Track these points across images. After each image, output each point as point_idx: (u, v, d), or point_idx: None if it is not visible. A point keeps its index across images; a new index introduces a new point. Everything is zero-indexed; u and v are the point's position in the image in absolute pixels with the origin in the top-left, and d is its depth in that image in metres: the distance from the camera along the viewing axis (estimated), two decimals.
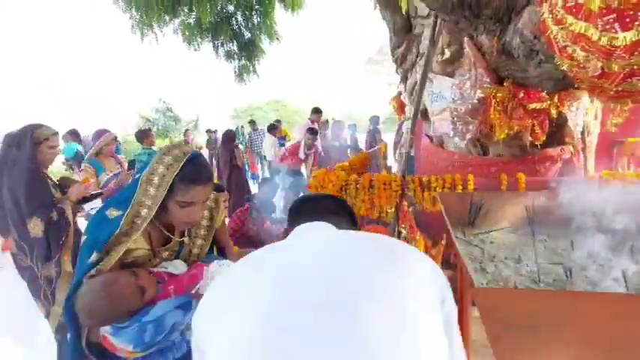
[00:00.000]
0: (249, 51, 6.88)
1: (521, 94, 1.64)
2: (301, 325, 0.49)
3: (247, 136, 8.21)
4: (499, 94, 1.70)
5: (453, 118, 2.24)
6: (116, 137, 3.10)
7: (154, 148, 4.41)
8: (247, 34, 6.93)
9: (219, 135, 9.59)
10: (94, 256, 0.98)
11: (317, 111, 5.64)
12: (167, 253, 1.17)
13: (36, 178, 1.88)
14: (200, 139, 9.31)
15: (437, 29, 1.80)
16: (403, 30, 3.09)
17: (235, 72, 7.01)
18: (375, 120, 6.44)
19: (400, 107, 3.45)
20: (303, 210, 0.86)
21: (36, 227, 1.83)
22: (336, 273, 0.57)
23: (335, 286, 0.54)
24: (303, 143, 4.84)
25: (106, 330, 1.04)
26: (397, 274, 0.57)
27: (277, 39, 6.86)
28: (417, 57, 3.01)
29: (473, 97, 1.96)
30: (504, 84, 1.71)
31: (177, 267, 1.16)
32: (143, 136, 4.47)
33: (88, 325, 1.03)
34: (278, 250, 0.68)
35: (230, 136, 5.41)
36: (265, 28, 6.80)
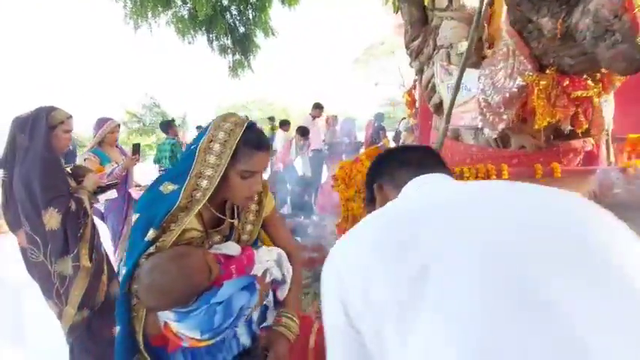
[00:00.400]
0: (244, 46, 6.73)
1: (566, 82, 1.64)
2: (569, 284, 0.40)
3: None
4: (542, 82, 1.69)
5: (482, 109, 2.23)
6: (119, 125, 2.92)
7: (176, 138, 4.72)
8: (242, 29, 6.78)
9: None
10: (151, 234, 0.89)
11: (318, 106, 5.57)
12: (218, 236, 1.08)
13: (52, 165, 1.72)
14: (188, 136, 9.01)
15: (482, 13, 1.78)
16: (419, 22, 3.07)
17: (229, 67, 6.84)
18: (379, 117, 6.48)
19: (413, 101, 3.43)
20: (405, 161, 0.75)
21: (52, 219, 1.68)
22: (555, 225, 0.47)
23: (569, 241, 0.45)
24: (294, 144, 4.79)
25: (168, 316, 0.94)
26: (605, 220, 0.50)
27: (273, 34, 6.74)
28: (434, 50, 2.99)
29: (509, 86, 1.94)
30: (547, 72, 1.71)
31: (232, 248, 1.07)
32: (167, 127, 4.71)
33: (153, 306, 0.92)
34: (435, 209, 0.53)
35: None
36: (260, 23, 6.67)
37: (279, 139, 5.89)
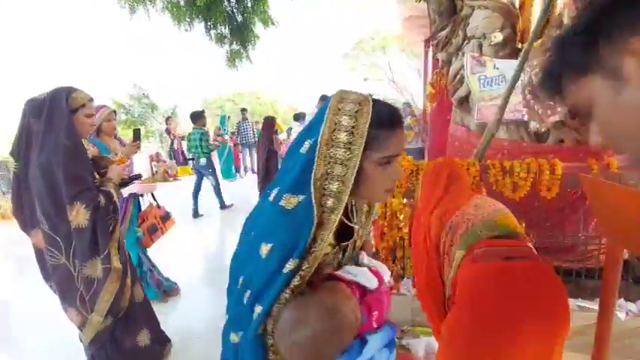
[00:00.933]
0: (242, 35, 6.47)
1: None
2: None
3: (236, 127, 7.75)
4: None
5: (529, 101, 2.14)
6: (115, 112, 2.67)
7: (204, 129, 5.07)
8: (240, 17, 6.51)
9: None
10: (291, 264, 0.69)
11: (324, 99, 5.40)
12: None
13: (77, 154, 1.50)
14: (180, 129, 8.61)
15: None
16: (448, 12, 2.96)
17: (227, 57, 6.57)
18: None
19: (437, 94, 3.33)
20: None
21: (79, 215, 1.46)
22: None
23: None
24: None
25: None
26: None
27: (272, 24, 6.51)
28: (464, 40, 2.89)
29: None
30: None
31: (369, 279, 0.83)
32: (197, 117, 5.01)
33: None
34: None
35: (270, 123, 5.54)
36: (259, 12, 6.43)
37: (295, 133, 5.74)
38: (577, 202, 2.33)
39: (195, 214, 5.15)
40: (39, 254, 1.58)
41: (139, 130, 2.66)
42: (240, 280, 0.75)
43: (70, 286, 1.56)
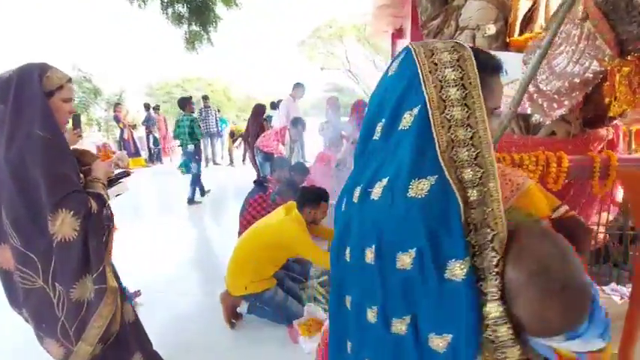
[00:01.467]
0: (202, 16, 5.95)
1: None
2: None
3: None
4: (625, 68, 1.65)
5: (532, 94, 2.15)
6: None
7: (193, 115, 5.10)
8: None
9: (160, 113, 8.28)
10: (458, 267, 0.55)
11: (299, 85, 5.17)
12: None
13: (58, 149, 1.19)
14: (131, 117, 7.76)
15: None
16: (440, 0, 2.91)
17: (185, 38, 6.02)
18: None
19: None
20: None
21: (65, 225, 1.16)
22: None
23: None
24: (287, 137, 4.61)
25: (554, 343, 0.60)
26: None
27: (235, 4, 6.08)
28: (457, 31, 2.87)
29: (576, 72, 1.88)
30: (629, 58, 1.67)
31: None
32: (185, 104, 5.01)
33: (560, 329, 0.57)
34: None
35: (260, 110, 5.38)
36: None
37: (275, 121, 5.47)
38: (566, 189, 2.44)
39: (202, 192, 5.32)
40: (5, 276, 1.25)
41: (79, 116, 2.29)
42: (372, 310, 0.60)
43: (49, 314, 1.25)
